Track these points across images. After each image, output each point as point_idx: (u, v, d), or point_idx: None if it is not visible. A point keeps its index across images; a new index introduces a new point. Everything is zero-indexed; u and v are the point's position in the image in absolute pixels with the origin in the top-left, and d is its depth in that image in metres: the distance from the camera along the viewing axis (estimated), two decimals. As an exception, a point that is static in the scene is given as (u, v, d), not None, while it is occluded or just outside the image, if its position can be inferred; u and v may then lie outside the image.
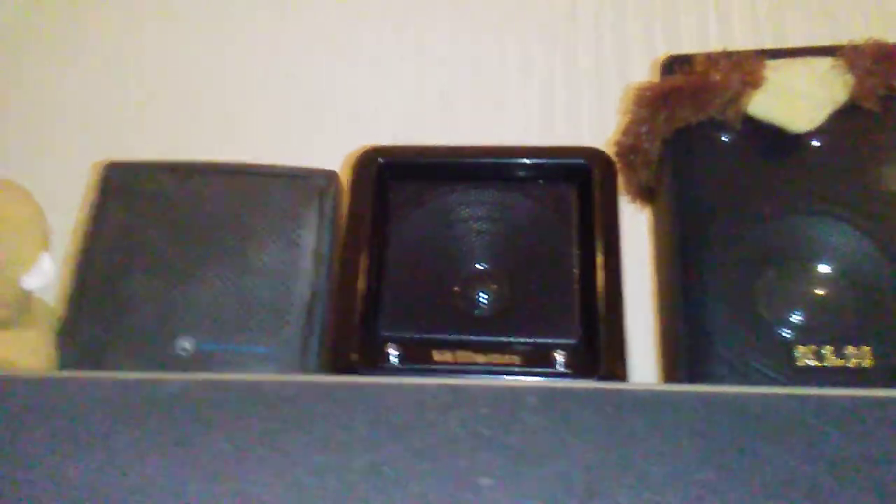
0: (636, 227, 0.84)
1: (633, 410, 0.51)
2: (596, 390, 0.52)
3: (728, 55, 0.74)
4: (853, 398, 0.51)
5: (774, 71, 0.72)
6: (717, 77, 0.73)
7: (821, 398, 0.51)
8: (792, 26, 0.96)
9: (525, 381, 0.56)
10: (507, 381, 0.56)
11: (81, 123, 0.94)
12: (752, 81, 0.72)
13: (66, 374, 0.59)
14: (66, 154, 0.90)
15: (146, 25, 1.02)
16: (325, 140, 0.92)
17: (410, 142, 0.80)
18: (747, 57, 0.73)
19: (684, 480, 0.48)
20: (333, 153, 0.85)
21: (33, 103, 0.97)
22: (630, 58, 0.96)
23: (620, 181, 0.78)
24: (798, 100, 0.71)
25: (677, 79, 0.75)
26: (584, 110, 0.93)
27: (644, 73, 0.93)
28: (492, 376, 0.65)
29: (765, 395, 0.52)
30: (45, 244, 0.69)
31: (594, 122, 0.92)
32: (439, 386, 0.53)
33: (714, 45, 0.93)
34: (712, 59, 0.74)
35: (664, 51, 0.86)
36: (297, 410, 0.54)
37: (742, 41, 0.95)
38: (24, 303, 0.70)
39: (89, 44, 1.02)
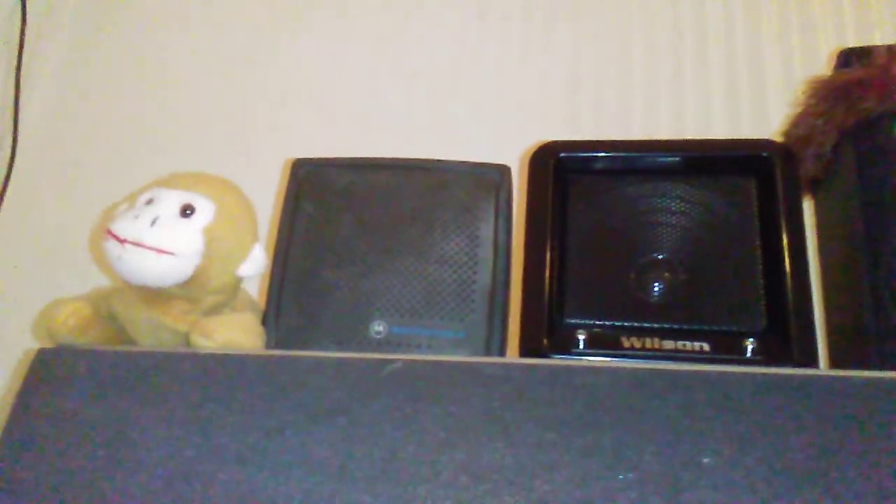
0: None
1: (853, 399, 0.53)
2: (810, 377, 0.54)
3: (908, 47, 0.74)
4: None
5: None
6: (897, 70, 0.73)
7: None
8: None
9: (740, 369, 0.58)
10: (722, 367, 0.58)
11: (274, 123, 1.00)
12: (937, 73, 0.71)
13: (304, 353, 0.64)
14: (260, 151, 0.97)
15: (328, 36, 1.09)
16: (489, 136, 0.96)
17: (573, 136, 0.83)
18: (929, 50, 0.73)
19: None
20: (497, 149, 0.88)
21: (231, 105, 1.05)
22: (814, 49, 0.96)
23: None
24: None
25: (857, 71, 0.75)
26: (744, 103, 0.94)
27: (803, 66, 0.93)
28: (680, 363, 0.67)
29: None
30: (256, 236, 0.75)
31: (755, 115, 0.92)
32: (655, 371, 0.56)
33: (879, 39, 0.93)
34: (892, 52, 0.74)
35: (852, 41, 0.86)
36: (516, 391, 0.58)
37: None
38: (236, 290, 0.76)
39: (282, 50, 1.09)
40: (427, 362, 0.61)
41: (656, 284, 0.74)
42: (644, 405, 0.56)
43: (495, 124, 0.98)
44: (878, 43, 0.80)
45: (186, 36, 1.15)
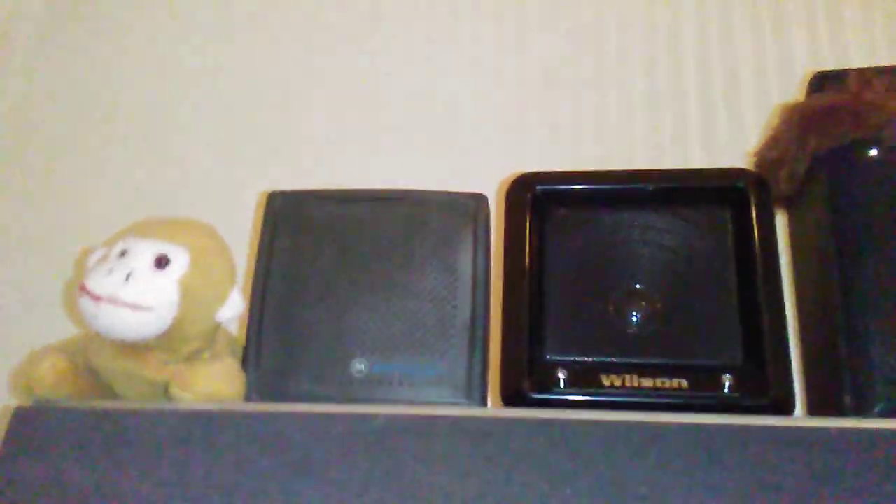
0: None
1: (831, 450, 0.54)
2: (789, 428, 0.55)
3: (880, 73, 0.74)
4: None
5: (930, 89, 0.73)
6: (871, 96, 0.73)
7: None
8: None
9: (716, 420, 0.58)
10: (699, 419, 0.59)
11: (247, 155, 0.99)
12: (910, 101, 0.72)
13: (279, 407, 0.64)
14: (234, 184, 0.96)
15: (297, 57, 1.07)
16: (463, 165, 0.96)
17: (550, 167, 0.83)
18: (901, 75, 0.73)
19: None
20: (471, 178, 0.88)
21: (196, 139, 1.03)
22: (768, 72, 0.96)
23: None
24: (957, 119, 0.71)
25: (831, 97, 0.76)
26: (720, 128, 0.95)
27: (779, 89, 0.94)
28: (661, 400, 0.68)
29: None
30: (234, 280, 0.75)
31: (729, 139, 0.93)
32: (635, 424, 0.56)
33: (856, 61, 0.93)
34: (865, 78, 0.75)
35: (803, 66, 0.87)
36: (499, 445, 0.58)
37: (884, 56, 0.94)
38: (215, 334, 0.75)
39: (257, 77, 1.07)
40: (409, 417, 0.61)
41: (634, 315, 0.74)
42: (626, 459, 0.57)
43: (471, 152, 0.98)
44: (854, 62, 0.80)
45: (153, 50, 1.13)
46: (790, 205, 0.86)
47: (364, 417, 0.61)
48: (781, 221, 0.89)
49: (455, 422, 0.60)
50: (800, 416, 0.68)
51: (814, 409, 0.78)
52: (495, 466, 0.57)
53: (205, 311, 0.71)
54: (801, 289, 0.83)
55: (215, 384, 0.69)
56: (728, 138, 0.94)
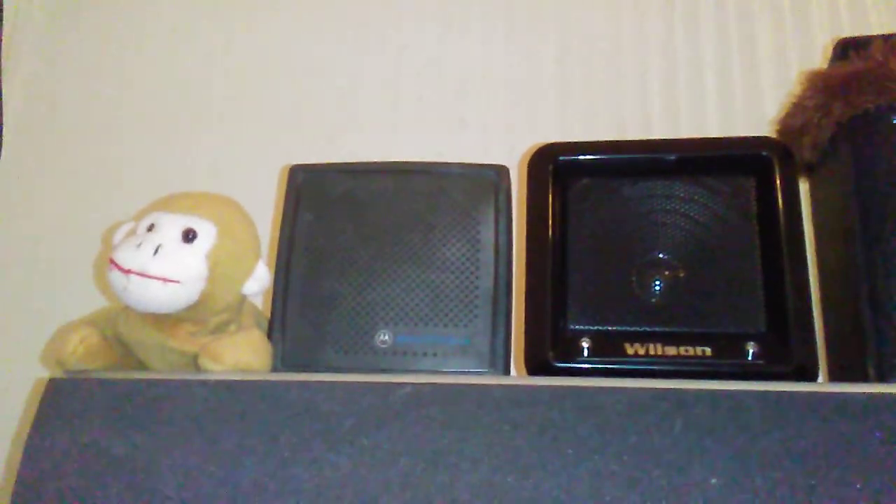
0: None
1: (854, 415, 0.54)
2: (814, 394, 0.55)
3: (906, 39, 0.74)
4: None
5: (955, 55, 0.72)
6: (895, 64, 0.73)
7: None
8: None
9: (741, 386, 0.59)
10: (724, 385, 0.59)
11: (270, 129, 0.99)
12: (934, 68, 0.71)
13: (313, 377, 0.65)
14: (256, 158, 0.96)
15: (329, 37, 1.07)
16: (485, 138, 0.96)
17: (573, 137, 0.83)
18: (928, 42, 0.73)
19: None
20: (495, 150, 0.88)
21: (224, 112, 1.03)
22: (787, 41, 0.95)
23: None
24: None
25: (853, 65, 0.75)
26: (737, 95, 0.94)
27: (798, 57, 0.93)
28: (685, 368, 0.69)
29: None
30: (259, 253, 0.75)
31: (749, 107, 0.92)
32: (661, 391, 0.57)
33: (876, 27, 0.92)
34: (890, 45, 0.74)
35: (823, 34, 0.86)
36: (525, 413, 0.59)
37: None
38: (241, 306, 0.76)
39: (276, 53, 1.07)
40: (435, 385, 0.62)
41: (657, 284, 0.75)
42: (652, 426, 0.57)
43: (492, 125, 0.98)
44: (875, 29, 0.79)
45: (168, 33, 1.13)
46: (813, 173, 0.85)
47: (391, 387, 0.62)
48: (804, 189, 0.89)
49: (482, 390, 0.61)
50: (822, 382, 0.68)
51: (836, 376, 0.79)
52: (522, 434, 0.58)
53: (232, 284, 0.72)
54: (824, 256, 0.83)
55: (243, 355, 0.70)
56: (745, 108, 0.93)
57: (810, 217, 0.89)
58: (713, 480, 0.54)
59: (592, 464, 0.57)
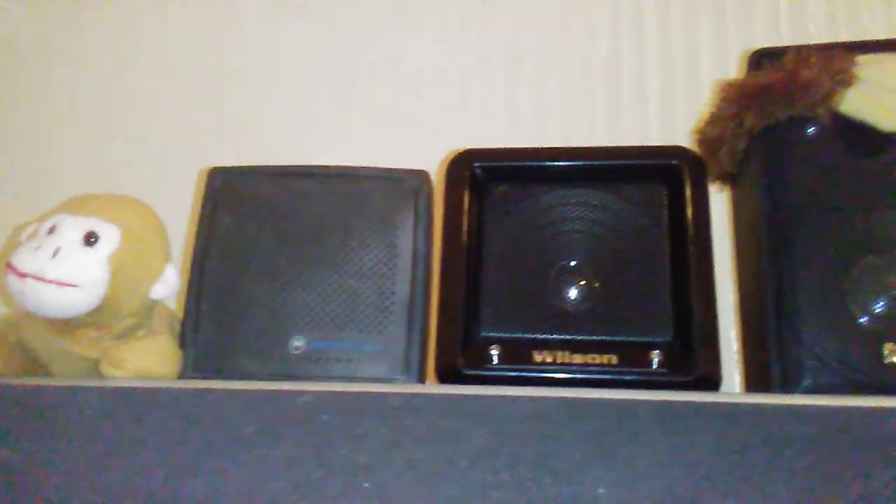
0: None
1: (741, 423, 0.55)
2: (705, 403, 0.56)
3: (818, 51, 0.74)
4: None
5: (865, 68, 0.73)
6: (807, 75, 0.73)
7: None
8: (870, 16, 0.95)
9: (636, 395, 0.59)
10: (618, 394, 0.59)
11: (185, 132, 0.98)
12: (843, 80, 0.72)
13: (207, 384, 0.64)
14: (172, 161, 0.95)
15: (242, 33, 1.06)
16: (408, 142, 0.95)
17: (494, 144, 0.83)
18: (838, 54, 0.73)
19: (791, 493, 0.52)
20: (415, 155, 0.87)
21: (138, 114, 1.02)
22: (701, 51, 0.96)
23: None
24: (889, 99, 0.72)
25: (767, 76, 0.76)
26: (678, 102, 0.95)
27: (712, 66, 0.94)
28: (590, 376, 0.69)
29: (868, 408, 0.55)
30: (168, 256, 0.74)
31: (686, 114, 0.93)
32: (558, 399, 0.57)
33: (788, 38, 0.93)
34: (802, 56, 0.75)
35: (738, 44, 0.87)
36: (424, 421, 0.59)
37: (816, 33, 0.94)
38: (149, 311, 0.75)
39: (187, 53, 1.05)
40: (335, 393, 0.61)
41: (570, 292, 0.75)
42: (546, 435, 0.57)
43: (416, 129, 0.97)
44: (787, 41, 0.80)
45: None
46: (734, 183, 0.86)
47: (292, 395, 0.61)
48: (728, 198, 0.90)
49: (380, 398, 0.60)
50: (721, 392, 0.68)
51: (751, 386, 0.80)
52: (417, 442, 0.58)
53: (137, 289, 0.71)
54: (741, 266, 0.84)
55: (146, 362, 0.69)
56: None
57: (731, 225, 0.90)
58: (601, 490, 0.54)
59: (484, 472, 0.56)
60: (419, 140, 0.95)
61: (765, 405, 0.56)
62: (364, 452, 0.58)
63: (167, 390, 0.64)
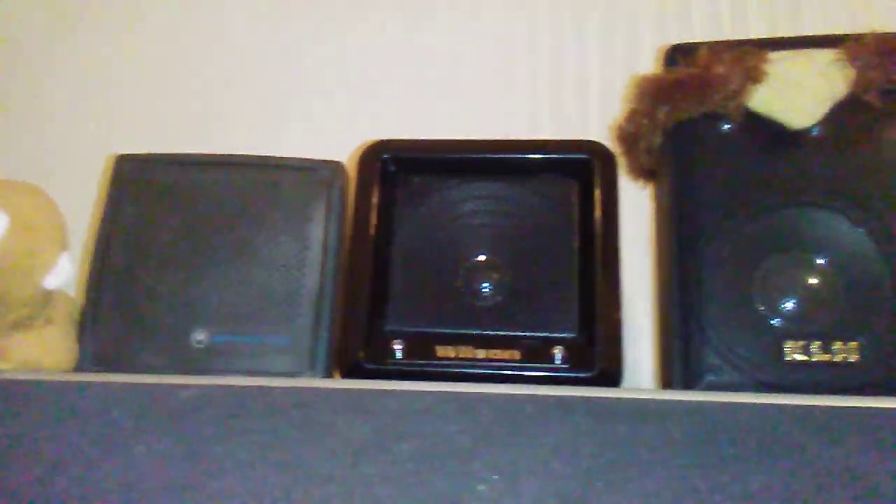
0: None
1: (626, 419, 0.54)
2: (591, 399, 0.55)
3: (730, 47, 0.74)
4: (833, 408, 0.53)
5: (775, 65, 0.73)
6: (718, 71, 0.73)
7: (804, 407, 0.54)
8: (809, 11, 0.95)
9: (523, 390, 0.58)
10: (507, 389, 0.58)
11: (91, 117, 0.95)
12: (753, 76, 0.72)
13: (88, 377, 0.62)
14: (77, 148, 0.92)
15: (152, 19, 1.03)
16: (327, 132, 0.94)
17: (414, 135, 0.81)
18: (749, 51, 0.73)
19: (673, 489, 0.51)
20: (335, 145, 0.86)
21: (43, 98, 0.99)
22: (638, 44, 0.95)
23: (621, 168, 0.79)
24: (798, 96, 0.71)
25: (679, 72, 0.75)
26: (592, 97, 0.94)
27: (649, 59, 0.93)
28: (492, 371, 0.68)
29: (751, 405, 0.54)
30: (63, 244, 0.72)
31: (601, 109, 0.92)
32: (444, 393, 0.56)
33: (728, 31, 0.93)
34: (714, 53, 0.74)
35: (675, 36, 0.86)
36: (307, 416, 0.57)
37: (756, 26, 0.94)
38: (45, 300, 0.73)
39: (96, 36, 1.03)
40: (219, 387, 0.60)
41: (479, 286, 0.74)
42: (430, 430, 0.56)
43: (332, 119, 0.95)
44: (699, 38, 0.80)
45: None
46: (653, 178, 0.85)
47: (173, 389, 0.60)
48: (649, 194, 0.90)
49: (264, 393, 0.59)
50: (618, 388, 0.67)
51: (664, 383, 0.79)
52: (298, 438, 0.56)
53: (27, 278, 0.68)
54: (658, 263, 0.83)
55: (35, 354, 0.67)
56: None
57: (654, 223, 0.89)
58: (481, 487, 0.53)
59: (366, 467, 0.55)
60: (337, 131, 0.93)
61: (647, 401, 0.55)
62: (244, 448, 0.56)
63: (44, 383, 0.62)
